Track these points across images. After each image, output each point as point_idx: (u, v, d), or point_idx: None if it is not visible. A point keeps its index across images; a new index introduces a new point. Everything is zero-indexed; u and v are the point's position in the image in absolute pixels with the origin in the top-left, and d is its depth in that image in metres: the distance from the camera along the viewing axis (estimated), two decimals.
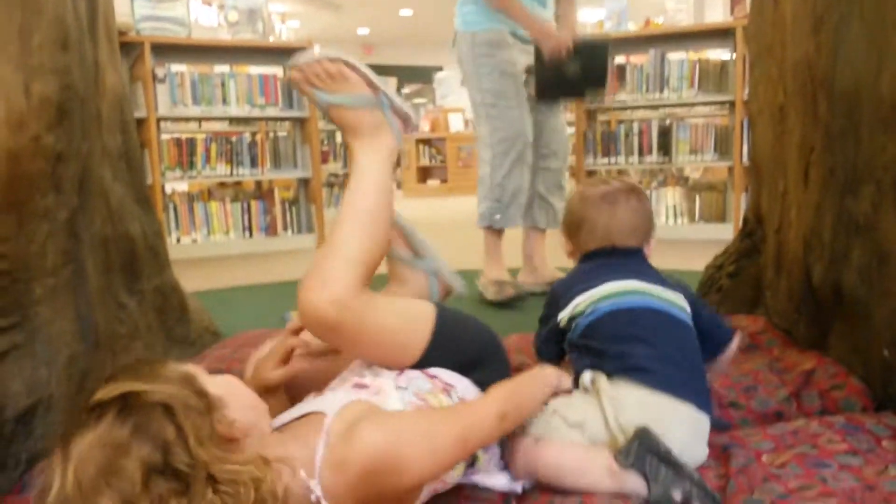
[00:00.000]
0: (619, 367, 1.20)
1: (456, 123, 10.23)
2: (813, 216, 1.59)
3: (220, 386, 0.91)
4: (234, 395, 0.92)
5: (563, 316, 1.34)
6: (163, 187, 4.39)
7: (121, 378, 0.83)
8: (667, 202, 4.83)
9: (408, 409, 1.05)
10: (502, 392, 1.10)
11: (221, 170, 4.50)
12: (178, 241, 4.43)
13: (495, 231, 3.11)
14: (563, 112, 3.27)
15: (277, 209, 4.72)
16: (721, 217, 4.65)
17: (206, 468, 0.78)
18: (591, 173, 4.99)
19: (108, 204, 1.68)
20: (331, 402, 1.03)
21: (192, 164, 4.39)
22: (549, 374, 1.19)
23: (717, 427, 1.27)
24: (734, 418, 1.44)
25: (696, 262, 2.55)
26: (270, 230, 4.69)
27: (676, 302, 1.33)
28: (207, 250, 4.51)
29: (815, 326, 1.62)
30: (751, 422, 1.43)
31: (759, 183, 1.98)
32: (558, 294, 1.39)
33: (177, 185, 4.95)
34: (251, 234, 4.64)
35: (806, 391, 1.49)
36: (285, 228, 4.75)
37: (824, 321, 1.59)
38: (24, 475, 1.25)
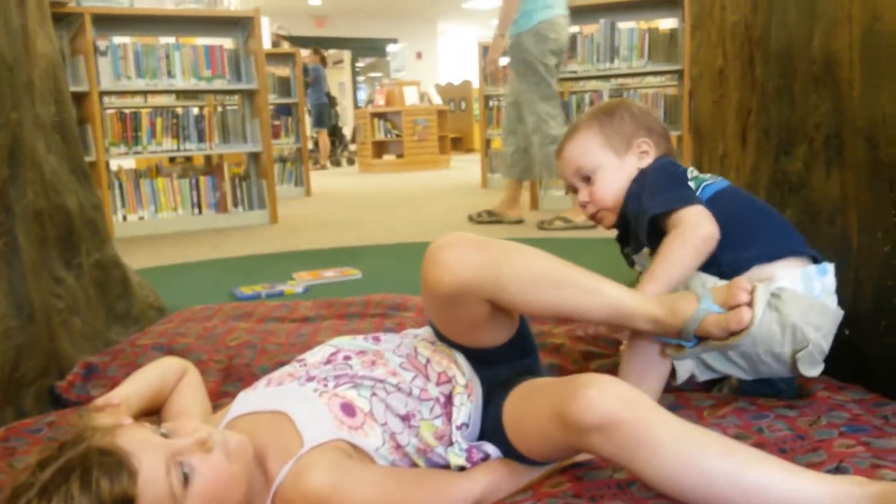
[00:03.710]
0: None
1: (411, 97, 10.14)
2: (750, 177, 1.62)
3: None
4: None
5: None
6: (107, 164, 4.28)
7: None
8: None
9: (379, 466, 1.01)
10: (491, 480, 1.02)
11: (168, 145, 4.40)
12: (125, 218, 4.33)
13: None
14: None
15: (227, 185, 4.64)
16: None
17: None
18: None
19: (41, 176, 1.62)
20: (311, 420, 1.00)
21: (136, 140, 4.28)
22: (530, 475, 1.07)
23: None
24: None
25: None
26: (220, 206, 4.62)
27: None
28: (155, 227, 4.42)
29: None
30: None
31: (700, 147, 2.01)
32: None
33: (122, 161, 4.83)
34: (200, 211, 4.56)
35: None
36: (235, 205, 4.67)
37: None
38: None
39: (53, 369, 1.52)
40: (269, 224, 4.70)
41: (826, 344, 1.19)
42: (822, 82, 1.35)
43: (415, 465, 1.06)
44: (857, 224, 1.29)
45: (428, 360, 1.12)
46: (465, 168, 9.20)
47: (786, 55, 1.46)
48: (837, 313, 1.21)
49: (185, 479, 0.86)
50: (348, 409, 1.02)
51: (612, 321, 1.10)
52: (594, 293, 1.06)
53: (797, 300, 1.18)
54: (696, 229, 1.19)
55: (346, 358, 1.11)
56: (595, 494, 0.99)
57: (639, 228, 1.27)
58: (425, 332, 1.23)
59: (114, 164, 4.59)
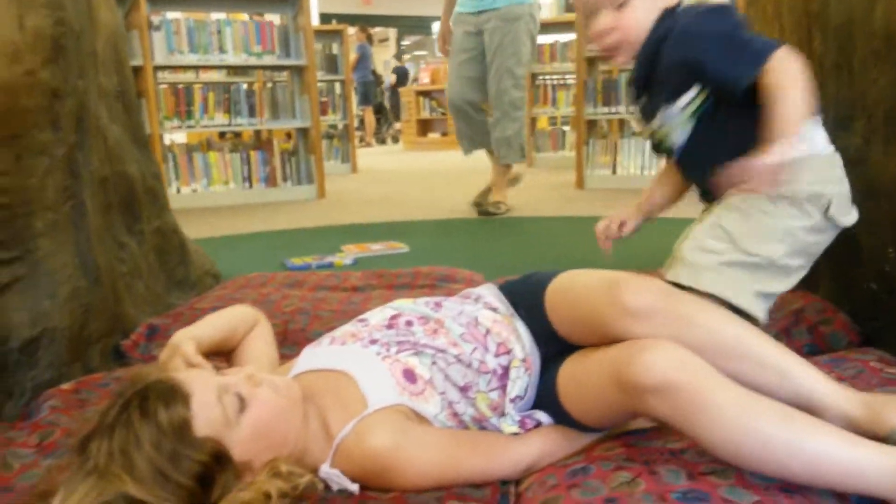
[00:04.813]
0: None
1: None
2: None
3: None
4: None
5: None
6: (161, 137, 4.38)
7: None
8: None
9: (437, 429, 1.04)
10: (544, 444, 1.05)
11: (219, 119, 4.48)
12: (179, 191, 4.44)
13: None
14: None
15: (277, 160, 4.72)
16: None
17: None
18: (591, 122, 4.98)
19: (105, 144, 1.69)
20: (375, 383, 1.03)
21: (189, 114, 4.37)
22: (582, 441, 1.09)
23: None
24: None
25: (696, 211, 2.58)
26: (270, 181, 4.70)
27: None
28: (208, 200, 4.52)
29: None
30: None
31: None
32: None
33: (175, 135, 4.93)
34: (251, 185, 4.65)
35: (795, 328, 1.52)
36: (285, 179, 4.75)
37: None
38: (29, 403, 1.29)
39: (118, 329, 1.59)
40: (317, 199, 4.77)
41: (845, 187, 1.25)
42: (882, 56, 1.32)
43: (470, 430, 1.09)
44: None
45: (488, 331, 1.13)
46: None
47: (845, 29, 1.43)
48: (835, 156, 1.27)
49: (237, 405, 0.90)
50: (410, 375, 1.05)
51: (798, 407, 0.94)
52: (780, 374, 0.97)
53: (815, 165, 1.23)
54: (795, 69, 1.17)
55: (409, 323, 1.14)
56: (648, 459, 1.00)
57: (721, 88, 1.23)
58: (487, 293, 1.23)
59: (166, 139, 4.70)
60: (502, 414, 1.09)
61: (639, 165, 4.86)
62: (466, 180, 5.40)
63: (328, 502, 0.94)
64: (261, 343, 1.25)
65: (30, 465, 1.06)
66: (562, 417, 1.07)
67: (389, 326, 1.13)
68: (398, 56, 15.92)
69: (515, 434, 1.07)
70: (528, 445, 1.05)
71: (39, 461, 1.07)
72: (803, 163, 1.20)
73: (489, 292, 1.23)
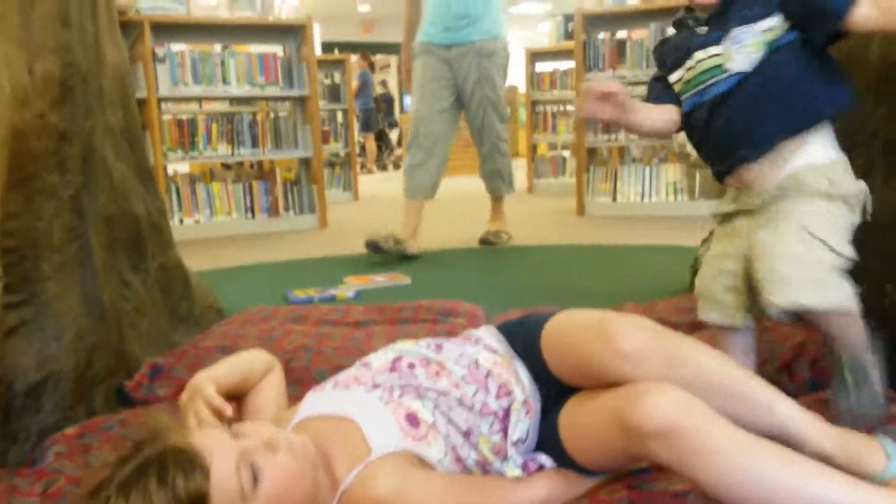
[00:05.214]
0: None
1: None
2: None
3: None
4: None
5: None
6: (165, 168, 4.41)
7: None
8: (667, 178, 4.84)
9: (442, 473, 1.05)
10: (548, 488, 1.06)
11: (223, 150, 4.52)
12: (181, 222, 4.46)
13: None
14: None
15: (279, 189, 4.74)
16: (721, 194, 4.66)
17: None
18: (591, 151, 5.00)
19: (111, 182, 1.70)
20: (378, 429, 1.04)
21: (193, 145, 4.41)
22: (585, 484, 1.10)
23: None
24: None
25: (696, 240, 2.58)
26: (272, 211, 4.72)
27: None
28: (210, 231, 4.54)
29: None
30: None
31: None
32: None
33: (178, 165, 4.96)
34: (253, 215, 4.67)
35: (796, 362, 1.52)
36: (287, 209, 4.77)
37: None
38: (34, 448, 1.29)
39: (122, 369, 1.60)
40: (319, 228, 4.78)
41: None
42: (879, 89, 1.34)
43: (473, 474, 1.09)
44: None
45: (489, 373, 1.13)
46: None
47: (844, 61, 1.45)
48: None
49: (255, 479, 0.90)
50: (413, 419, 1.05)
51: (779, 440, 0.97)
52: (764, 409, 1.00)
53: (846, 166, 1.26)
54: None
55: (411, 366, 1.14)
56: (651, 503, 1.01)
57: (815, 18, 1.21)
58: (486, 335, 1.24)
59: (170, 169, 4.73)
60: (505, 457, 1.09)
61: (639, 193, 4.88)
62: (466, 207, 5.42)
63: None
64: (274, 391, 1.26)
65: None
66: (564, 460, 1.07)
67: (392, 370, 1.14)
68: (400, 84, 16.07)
69: (519, 478, 1.07)
70: (531, 489, 1.05)
71: None
72: (839, 164, 1.24)
73: (489, 334, 1.24)
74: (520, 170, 7.28)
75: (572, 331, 1.09)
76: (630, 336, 1.00)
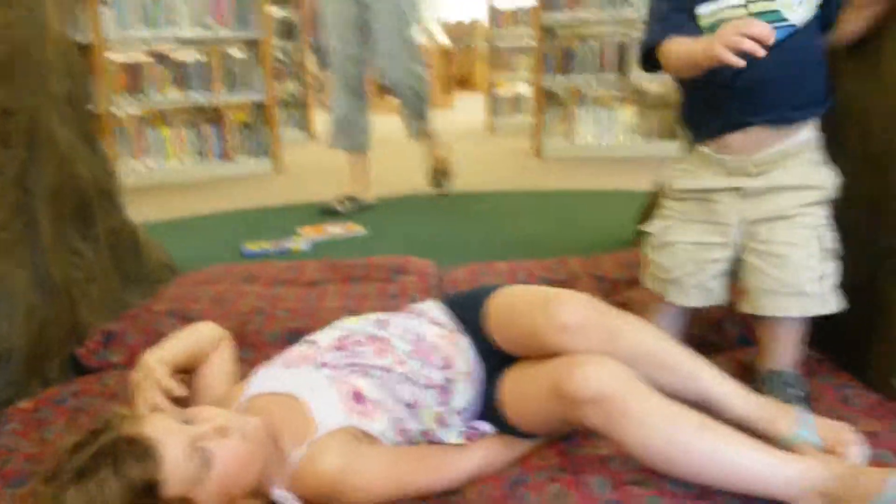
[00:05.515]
0: None
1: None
2: None
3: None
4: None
5: None
6: (112, 115, 4.30)
7: None
8: (623, 120, 4.88)
9: (385, 447, 1.11)
10: (486, 454, 1.13)
11: (173, 95, 4.41)
12: (132, 168, 4.38)
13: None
14: None
15: (232, 133, 4.67)
16: (674, 134, 4.73)
17: None
18: (549, 93, 5.01)
19: (57, 152, 1.69)
20: (324, 407, 1.09)
21: (141, 90, 4.30)
22: (522, 448, 1.17)
23: None
24: None
25: (647, 183, 2.65)
26: (225, 155, 4.66)
27: None
28: (163, 177, 4.47)
29: None
30: None
31: None
32: None
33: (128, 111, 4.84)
34: (206, 160, 4.61)
35: (726, 320, 1.61)
36: (241, 153, 4.71)
37: None
38: None
39: (74, 338, 1.62)
40: (274, 173, 4.75)
41: None
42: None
43: (417, 445, 1.16)
44: None
45: (433, 346, 1.20)
46: (469, 109, 9.15)
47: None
48: None
49: (206, 463, 0.96)
50: (358, 397, 1.12)
51: (703, 406, 1.08)
52: (690, 378, 1.10)
53: None
54: None
55: (357, 343, 1.20)
56: (578, 469, 1.09)
57: None
58: (432, 309, 1.31)
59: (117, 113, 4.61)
60: (448, 426, 1.17)
61: (595, 134, 4.93)
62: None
63: None
64: (224, 365, 1.30)
65: None
66: (504, 426, 1.15)
67: (339, 348, 1.19)
68: None
69: (459, 445, 1.15)
70: (470, 457, 1.13)
71: (5, 490, 1.10)
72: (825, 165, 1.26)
73: (434, 307, 1.30)
74: (479, 108, 7.27)
75: (518, 306, 1.18)
76: (572, 312, 1.10)
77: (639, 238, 2.45)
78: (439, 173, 3.75)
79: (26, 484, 1.07)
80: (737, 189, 1.28)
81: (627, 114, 4.88)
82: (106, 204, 1.96)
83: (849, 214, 1.30)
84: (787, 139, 1.25)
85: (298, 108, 6.61)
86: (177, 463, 0.93)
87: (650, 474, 1.03)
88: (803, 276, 1.22)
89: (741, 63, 1.09)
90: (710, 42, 1.12)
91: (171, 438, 0.95)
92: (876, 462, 1.05)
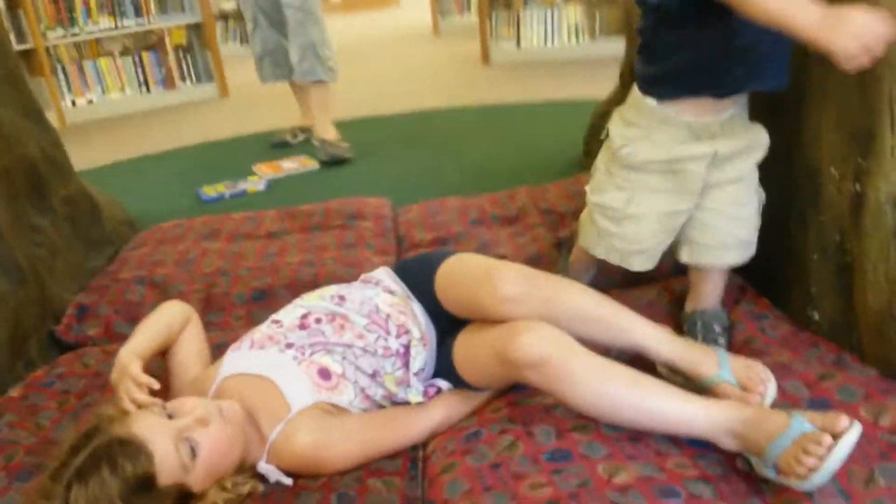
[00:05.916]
0: None
1: None
2: None
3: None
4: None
5: None
6: (46, 49, 4.16)
7: None
8: (568, 20, 4.85)
9: (353, 415, 1.23)
10: (445, 410, 1.26)
11: (105, 23, 4.25)
12: (74, 104, 4.28)
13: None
14: None
15: (171, 59, 4.55)
16: (620, 31, 4.73)
17: None
18: None
19: (2, 133, 1.70)
20: (295, 386, 1.20)
21: (73, 21, 4.14)
22: (477, 399, 1.30)
23: None
24: None
25: (600, 87, 2.69)
26: (168, 83, 4.56)
27: None
28: (106, 110, 4.38)
29: None
30: None
31: None
32: None
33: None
34: (148, 89, 4.50)
35: None
36: (183, 79, 4.61)
37: None
38: None
39: (48, 315, 1.69)
40: (220, 97, 4.67)
41: None
42: None
43: (382, 408, 1.29)
44: None
45: (388, 316, 1.32)
46: (414, 6, 8.92)
47: None
48: None
49: (192, 452, 1.07)
50: (324, 373, 1.23)
51: (633, 352, 1.24)
52: (620, 330, 1.23)
53: None
54: None
55: (318, 321, 1.30)
56: (527, 419, 1.23)
57: None
58: (385, 277, 1.41)
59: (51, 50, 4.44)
60: (408, 386, 1.29)
61: (542, 37, 4.90)
62: (373, 59, 5.32)
63: (268, 496, 1.14)
64: (194, 343, 1.39)
65: (3, 491, 1.19)
66: (459, 382, 1.29)
67: (301, 327, 1.29)
68: None
69: (421, 403, 1.28)
70: (431, 414, 1.27)
71: (12, 485, 1.20)
72: None
73: (387, 275, 1.40)
74: (426, 7, 7.09)
75: (463, 278, 1.30)
76: (511, 283, 1.22)
77: (587, 158, 2.54)
78: (329, 145, 3.14)
79: (32, 477, 1.17)
80: (713, 154, 1.28)
81: (572, 14, 4.85)
82: (57, 174, 1.99)
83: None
84: (741, 99, 1.31)
85: (239, 20, 6.39)
86: (167, 456, 1.05)
87: (590, 420, 1.17)
88: (750, 230, 1.37)
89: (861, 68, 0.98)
90: (833, 28, 0.95)
91: (158, 434, 1.06)
92: (786, 394, 1.21)
